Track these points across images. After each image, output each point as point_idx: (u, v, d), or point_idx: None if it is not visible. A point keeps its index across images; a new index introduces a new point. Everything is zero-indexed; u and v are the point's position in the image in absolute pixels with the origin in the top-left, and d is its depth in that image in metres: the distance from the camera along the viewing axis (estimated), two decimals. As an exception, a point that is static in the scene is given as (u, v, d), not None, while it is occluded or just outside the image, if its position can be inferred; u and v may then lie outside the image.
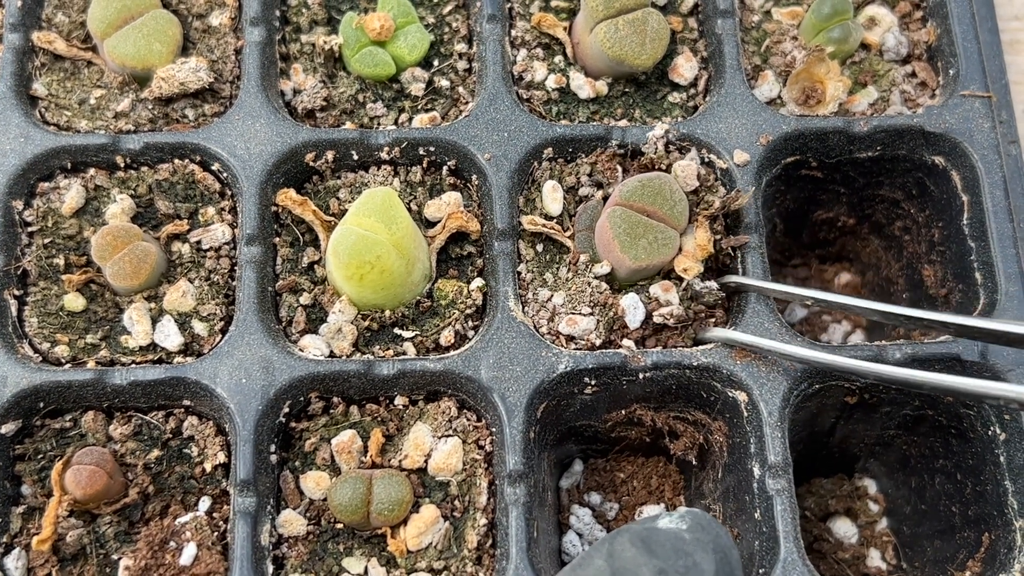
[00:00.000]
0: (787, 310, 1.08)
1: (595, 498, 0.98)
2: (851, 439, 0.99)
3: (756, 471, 0.82)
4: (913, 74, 0.96)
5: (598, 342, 0.83)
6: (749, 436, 0.83)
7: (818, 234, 1.08)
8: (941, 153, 0.92)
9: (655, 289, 0.85)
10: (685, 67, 0.93)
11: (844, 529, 1.01)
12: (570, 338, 0.84)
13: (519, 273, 0.86)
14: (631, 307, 0.83)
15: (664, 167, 0.88)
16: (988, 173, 0.89)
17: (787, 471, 0.80)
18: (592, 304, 0.84)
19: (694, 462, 0.94)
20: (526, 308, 0.85)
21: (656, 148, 0.88)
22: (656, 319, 0.83)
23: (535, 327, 0.84)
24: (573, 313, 0.83)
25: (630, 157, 0.90)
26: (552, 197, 0.88)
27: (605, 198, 0.88)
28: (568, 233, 0.87)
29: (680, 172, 0.87)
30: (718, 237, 0.86)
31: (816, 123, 0.90)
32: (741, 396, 0.83)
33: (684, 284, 0.85)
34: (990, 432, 0.86)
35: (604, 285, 0.84)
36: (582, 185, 0.89)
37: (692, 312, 0.84)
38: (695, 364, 0.83)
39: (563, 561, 0.95)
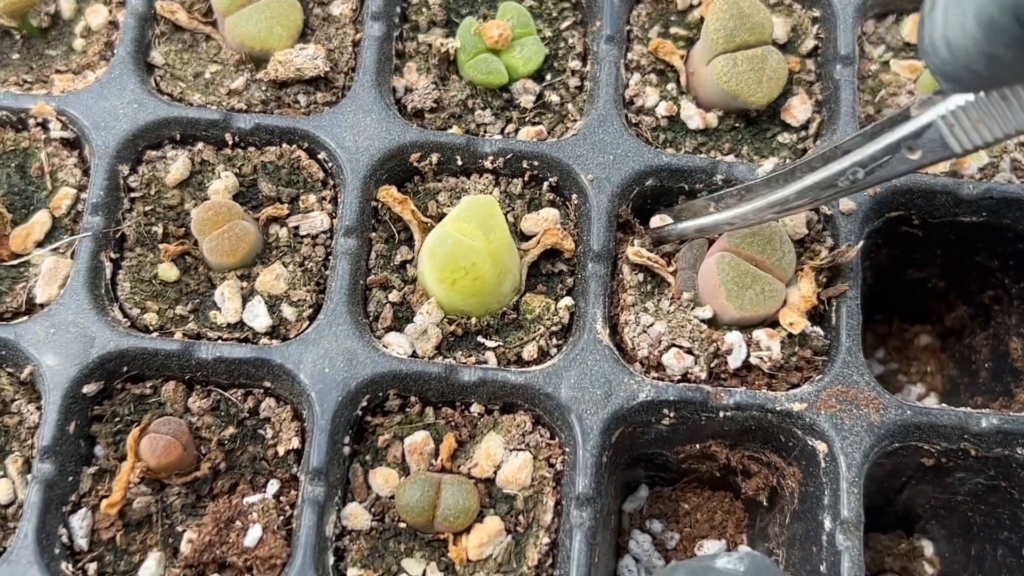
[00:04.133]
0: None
1: (657, 525, 0.98)
2: (917, 499, 0.98)
3: (827, 524, 0.81)
4: (1024, 143, 0.95)
5: (703, 376, 0.83)
6: (824, 487, 0.82)
7: (905, 293, 1.06)
8: (1046, 226, 0.91)
9: (759, 333, 0.84)
10: (799, 109, 0.92)
11: (897, 589, 1.00)
12: (662, 367, 0.83)
13: (615, 295, 0.85)
14: (737, 345, 0.82)
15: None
16: (1094, 252, 0.88)
17: (859, 528, 0.79)
18: (692, 339, 0.83)
19: (764, 503, 0.93)
20: (626, 330, 0.85)
21: None
22: (752, 360, 0.83)
23: (631, 350, 0.84)
24: (674, 346, 0.83)
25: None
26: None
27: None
28: (671, 269, 0.87)
29: (790, 219, 0.86)
30: (820, 289, 0.86)
31: (926, 181, 0.89)
32: (821, 446, 0.82)
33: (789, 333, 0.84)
34: (1064, 513, 0.85)
35: (705, 326, 0.84)
36: None
37: (795, 359, 0.84)
38: (778, 409, 0.82)
39: (617, 584, 0.94)
